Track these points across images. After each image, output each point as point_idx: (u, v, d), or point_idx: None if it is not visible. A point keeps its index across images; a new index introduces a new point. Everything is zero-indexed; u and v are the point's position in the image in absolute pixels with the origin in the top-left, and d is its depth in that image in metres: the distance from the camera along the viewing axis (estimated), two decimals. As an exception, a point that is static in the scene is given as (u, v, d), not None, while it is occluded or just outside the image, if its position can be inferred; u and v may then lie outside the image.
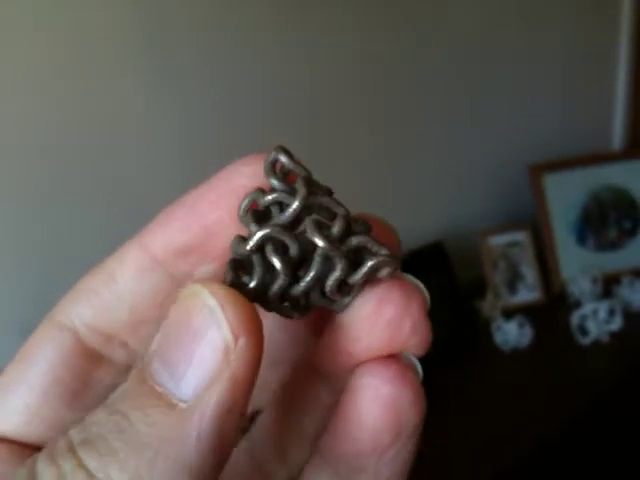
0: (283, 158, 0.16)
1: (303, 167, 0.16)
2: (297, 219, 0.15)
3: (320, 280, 0.15)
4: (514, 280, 1.15)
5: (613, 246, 1.22)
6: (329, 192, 0.16)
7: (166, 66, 0.87)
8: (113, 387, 0.16)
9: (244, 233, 0.16)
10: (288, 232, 0.15)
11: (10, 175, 0.78)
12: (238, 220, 0.16)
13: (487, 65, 1.19)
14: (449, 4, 1.10)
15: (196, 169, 0.90)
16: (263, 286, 0.15)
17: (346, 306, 0.16)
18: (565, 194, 1.21)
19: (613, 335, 1.06)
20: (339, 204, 0.16)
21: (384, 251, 0.15)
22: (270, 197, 0.15)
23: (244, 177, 0.16)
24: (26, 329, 0.64)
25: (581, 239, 1.21)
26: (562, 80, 1.29)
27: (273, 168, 0.16)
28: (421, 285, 0.17)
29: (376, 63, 1.05)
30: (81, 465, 0.13)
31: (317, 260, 0.15)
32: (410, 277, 0.17)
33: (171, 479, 0.13)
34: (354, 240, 0.15)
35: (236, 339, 0.14)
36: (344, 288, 0.16)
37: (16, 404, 0.16)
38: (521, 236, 1.17)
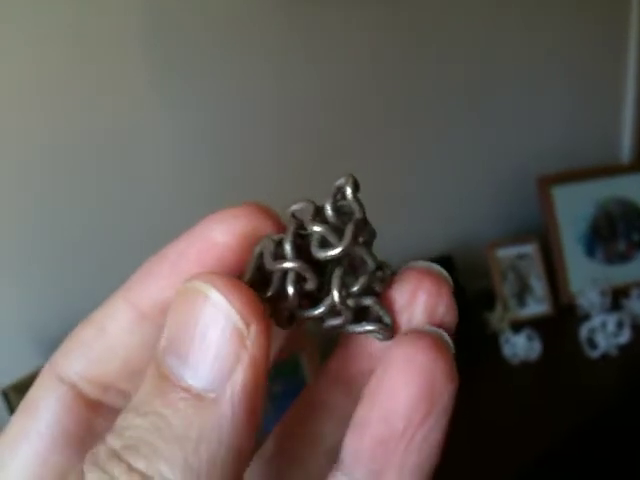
0: (349, 190, 0.17)
1: (361, 206, 0.17)
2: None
3: (322, 318, 0.17)
4: (523, 292, 1.15)
5: (622, 258, 1.22)
6: (373, 234, 0.18)
7: (174, 66, 0.88)
8: None
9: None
10: (313, 272, 0.17)
11: (17, 179, 0.79)
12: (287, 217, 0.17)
13: (494, 77, 1.19)
14: (453, 16, 1.11)
15: (209, 175, 0.92)
16: (274, 298, 0.17)
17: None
18: (573, 206, 1.21)
19: (621, 348, 1.05)
20: (372, 256, 0.17)
21: (386, 319, 0.17)
22: (318, 229, 0.17)
23: (219, 234, 0.17)
24: (34, 331, 0.65)
25: (590, 251, 1.21)
26: (570, 92, 1.29)
27: (335, 195, 0.17)
28: (446, 272, 0.18)
29: (379, 79, 1.06)
30: (131, 468, 0.14)
31: (326, 304, 0.17)
32: (436, 266, 0.18)
33: (218, 461, 0.15)
34: (366, 301, 0.17)
35: (247, 326, 0.15)
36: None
37: (27, 454, 0.17)
38: (530, 248, 1.17)
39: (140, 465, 0.14)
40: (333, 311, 0.17)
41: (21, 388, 0.71)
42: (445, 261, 1.10)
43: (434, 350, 0.16)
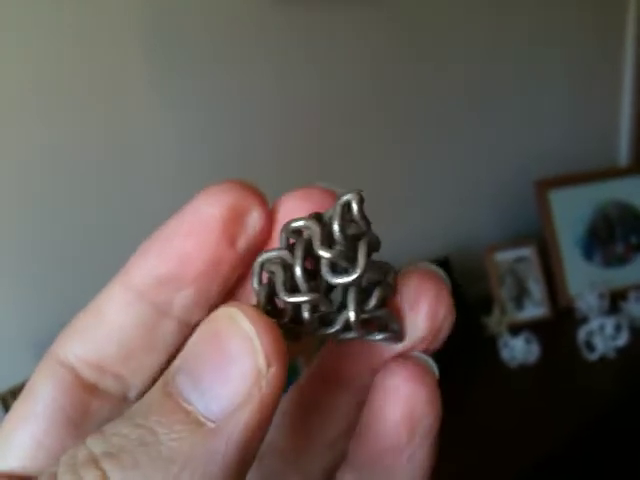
0: (356, 207, 0.17)
1: (369, 223, 0.17)
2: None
3: (336, 334, 0.17)
4: (521, 296, 1.15)
5: (620, 261, 1.22)
6: (378, 246, 0.17)
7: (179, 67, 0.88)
8: (110, 416, 0.17)
9: (225, 257, 0.17)
10: (327, 300, 0.17)
11: (17, 179, 0.78)
12: (282, 231, 0.17)
13: (492, 81, 1.19)
14: (452, 20, 1.11)
15: (209, 175, 0.91)
16: (287, 324, 0.17)
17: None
18: (571, 210, 1.21)
19: (619, 351, 1.06)
20: (380, 269, 0.17)
21: (395, 326, 0.18)
22: (328, 255, 0.16)
23: (210, 207, 0.17)
24: (33, 335, 0.64)
25: (588, 254, 1.21)
26: (568, 96, 1.29)
27: (342, 213, 0.17)
28: (444, 274, 0.19)
29: (379, 79, 1.06)
30: (105, 478, 0.14)
31: (341, 322, 0.17)
32: (435, 268, 0.19)
33: None
34: (378, 313, 0.17)
35: (268, 367, 0.15)
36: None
37: (24, 438, 0.17)
38: (527, 252, 1.17)
39: (115, 476, 0.14)
40: (347, 327, 0.17)
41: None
42: (443, 264, 1.10)
43: (416, 380, 0.18)
